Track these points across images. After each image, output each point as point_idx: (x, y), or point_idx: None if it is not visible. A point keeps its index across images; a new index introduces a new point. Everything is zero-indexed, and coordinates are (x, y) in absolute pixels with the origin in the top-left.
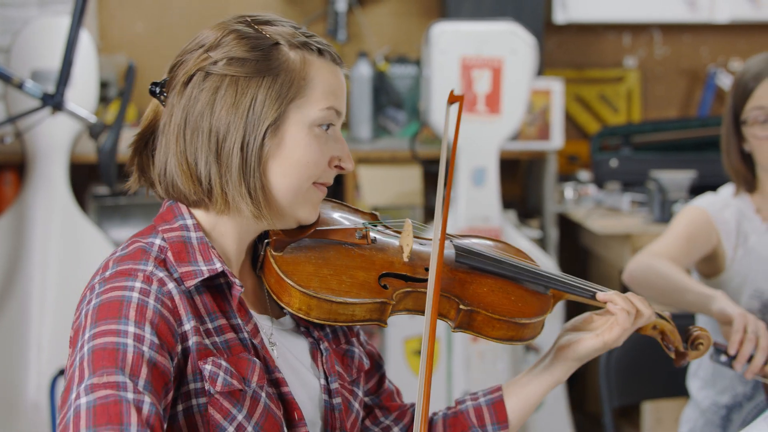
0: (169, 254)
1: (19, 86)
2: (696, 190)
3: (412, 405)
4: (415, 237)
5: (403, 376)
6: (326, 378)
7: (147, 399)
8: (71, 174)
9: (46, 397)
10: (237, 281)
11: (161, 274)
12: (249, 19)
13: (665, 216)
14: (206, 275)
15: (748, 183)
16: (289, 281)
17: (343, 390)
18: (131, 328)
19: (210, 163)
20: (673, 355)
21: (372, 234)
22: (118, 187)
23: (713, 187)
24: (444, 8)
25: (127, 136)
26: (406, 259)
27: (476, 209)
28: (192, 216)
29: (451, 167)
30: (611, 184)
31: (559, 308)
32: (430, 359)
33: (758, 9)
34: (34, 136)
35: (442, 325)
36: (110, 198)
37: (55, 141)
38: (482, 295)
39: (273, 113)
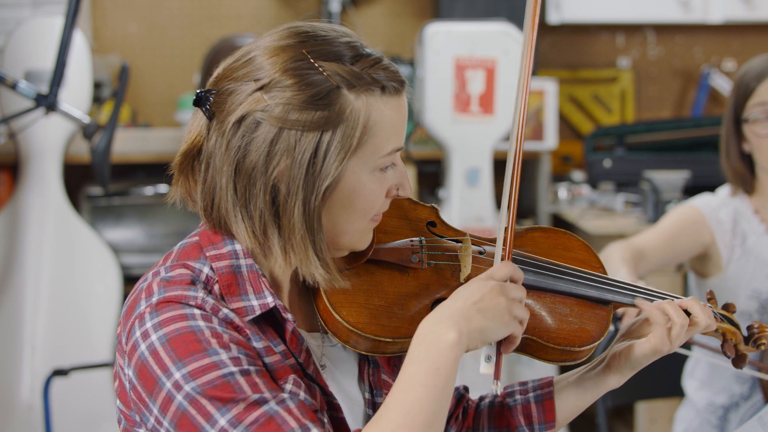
0: (217, 287)
1: (13, 87)
2: (689, 190)
3: (455, 389)
4: (473, 242)
5: None
6: (371, 391)
7: (283, 395)
8: (65, 174)
9: (40, 398)
10: (289, 316)
11: (212, 301)
12: (306, 52)
13: (659, 216)
14: (258, 313)
15: (747, 183)
16: (337, 316)
17: None
18: (224, 356)
19: (267, 222)
20: (732, 355)
21: (431, 251)
22: (111, 187)
23: (707, 188)
24: (437, 9)
25: (121, 137)
26: (462, 281)
27: (470, 209)
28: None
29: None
30: (605, 185)
31: None
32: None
33: (751, 9)
34: (28, 136)
35: None
36: (104, 198)
37: (48, 141)
38: (538, 318)
39: (335, 170)
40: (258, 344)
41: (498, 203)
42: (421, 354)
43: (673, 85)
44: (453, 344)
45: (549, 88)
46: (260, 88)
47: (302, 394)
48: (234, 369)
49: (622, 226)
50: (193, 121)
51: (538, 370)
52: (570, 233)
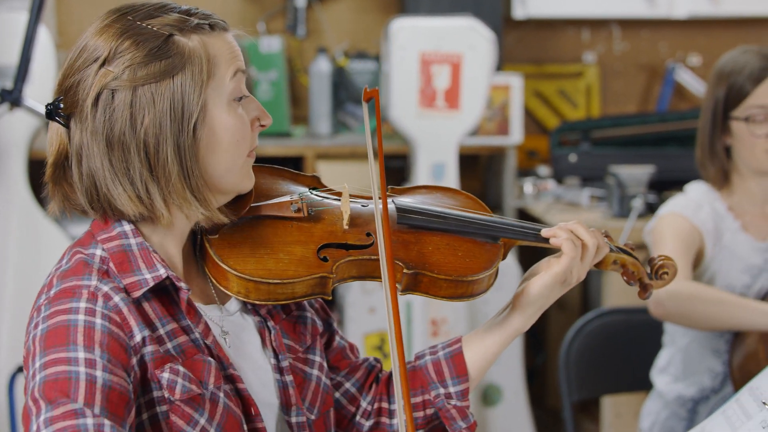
0: (111, 265)
1: None
2: (654, 185)
3: (365, 360)
4: (353, 197)
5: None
6: (276, 356)
7: (107, 422)
8: (30, 170)
9: (5, 396)
10: (183, 285)
11: (106, 288)
12: (131, 18)
13: (624, 211)
14: (151, 284)
15: (726, 176)
16: (224, 266)
17: (296, 363)
18: (81, 354)
19: (146, 179)
20: (637, 287)
21: (308, 203)
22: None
23: (671, 183)
24: (403, 4)
25: None
26: (345, 227)
27: None
28: (129, 221)
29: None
30: (570, 179)
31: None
32: (399, 338)
33: (716, 5)
34: None
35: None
36: None
37: (13, 137)
38: (427, 255)
39: (197, 105)
40: (140, 335)
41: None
42: None
43: (639, 79)
44: None
45: (514, 83)
46: (102, 64)
47: (180, 382)
48: (82, 369)
49: (588, 221)
50: (50, 132)
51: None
52: (455, 189)
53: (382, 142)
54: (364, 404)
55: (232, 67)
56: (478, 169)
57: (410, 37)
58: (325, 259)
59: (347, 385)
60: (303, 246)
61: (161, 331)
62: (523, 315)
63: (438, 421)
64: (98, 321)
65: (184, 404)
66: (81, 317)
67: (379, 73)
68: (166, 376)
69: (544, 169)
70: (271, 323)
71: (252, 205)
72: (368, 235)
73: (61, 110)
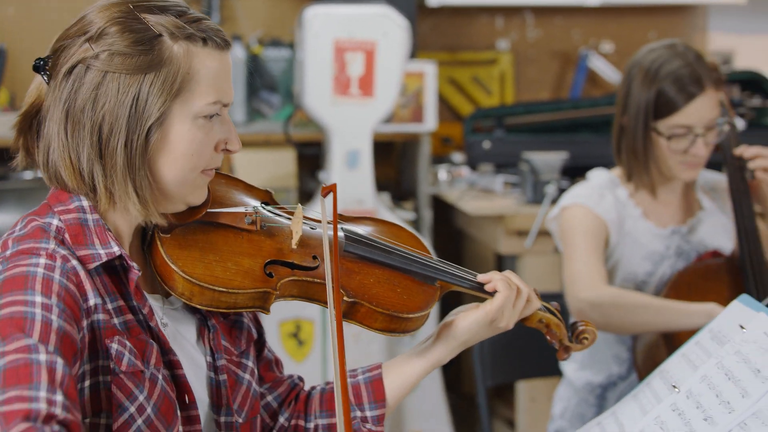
0: (67, 236)
1: None
2: (568, 171)
3: (290, 377)
4: (306, 219)
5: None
6: (212, 355)
7: (60, 360)
8: None
9: None
10: (134, 265)
11: (63, 252)
12: (132, 6)
13: (537, 197)
14: (104, 259)
15: (631, 174)
16: (173, 266)
17: (230, 365)
18: (38, 299)
19: (93, 161)
20: (557, 348)
21: (263, 217)
22: None
23: (584, 169)
24: None
25: (1, 120)
26: (294, 246)
27: (350, 192)
28: (87, 197)
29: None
30: (484, 166)
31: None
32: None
33: None
34: None
35: (318, 308)
36: None
37: None
38: (368, 286)
39: (157, 111)
40: (93, 301)
41: (378, 185)
42: None
43: (552, 66)
44: None
45: (428, 70)
46: (88, 39)
47: (126, 354)
48: (38, 311)
49: (502, 207)
50: (33, 84)
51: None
52: (400, 225)
53: (336, 232)
54: (281, 419)
55: (214, 94)
56: (393, 156)
57: (324, 24)
58: (270, 275)
59: (269, 398)
60: (251, 259)
61: (109, 306)
62: (447, 347)
63: None
64: (56, 276)
65: (126, 378)
66: (40, 270)
67: (293, 60)
68: (114, 346)
69: (458, 156)
70: (211, 322)
71: (208, 211)
72: (314, 257)
73: (47, 68)
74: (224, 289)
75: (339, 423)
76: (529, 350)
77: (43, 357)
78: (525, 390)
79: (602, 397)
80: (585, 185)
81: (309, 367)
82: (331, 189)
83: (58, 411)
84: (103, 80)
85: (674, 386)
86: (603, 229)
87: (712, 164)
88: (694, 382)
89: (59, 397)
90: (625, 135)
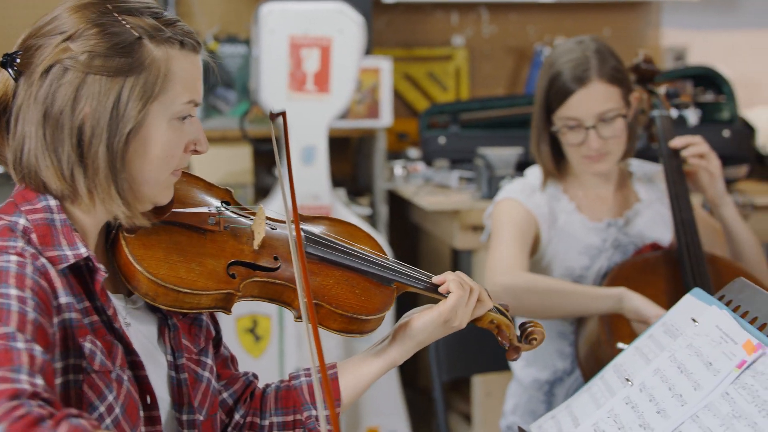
0: (34, 236)
1: None
2: (522, 166)
3: (245, 374)
4: (267, 219)
5: (236, 354)
6: (173, 354)
7: (38, 347)
8: None
9: None
10: (101, 267)
11: (32, 250)
12: (111, 7)
13: (492, 192)
14: (71, 261)
15: (558, 169)
16: (138, 267)
17: (190, 363)
18: (13, 291)
19: (73, 163)
20: (507, 348)
21: (226, 218)
22: None
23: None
24: None
25: None
26: (256, 248)
27: (306, 187)
28: (55, 196)
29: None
30: (440, 161)
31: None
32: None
33: None
34: None
35: (276, 308)
36: None
37: None
38: (327, 287)
39: (137, 114)
40: (65, 299)
41: (334, 181)
42: None
43: (507, 62)
44: None
45: (384, 66)
46: (66, 39)
47: (98, 354)
48: (13, 303)
49: (457, 203)
50: None
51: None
52: (356, 225)
53: (291, 165)
54: (237, 416)
55: (188, 94)
56: (349, 151)
57: (280, 20)
58: (233, 276)
59: (225, 395)
60: (214, 259)
61: (78, 306)
62: (402, 348)
63: None
64: (28, 272)
65: (98, 377)
66: (12, 265)
67: (249, 57)
68: (88, 345)
69: (413, 152)
70: (172, 320)
71: (173, 211)
72: (276, 258)
73: (16, 64)
74: (188, 291)
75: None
76: (484, 345)
77: (21, 345)
78: (480, 384)
79: (550, 393)
80: (520, 181)
81: (266, 363)
82: (281, 114)
83: (40, 391)
84: (83, 82)
85: (627, 379)
86: (532, 224)
87: (649, 156)
88: (647, 376)
89: (40, 381)
90: (533, 124)
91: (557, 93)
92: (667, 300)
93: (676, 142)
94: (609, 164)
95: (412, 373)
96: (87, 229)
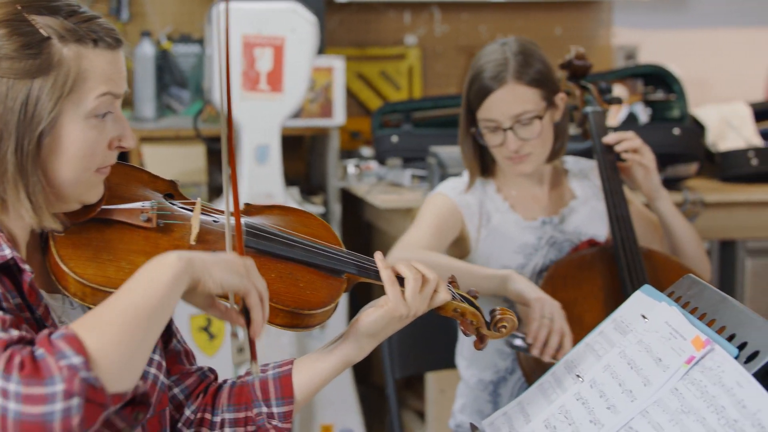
0: None
1: None
2: None
3: (200, 369)
4: (206, 212)
5: None
6: None
7: (2, 312)
8: None
9: None
10: (27, 267)
11: None
12: (20, 7)
13: None
14: None
15: (489, 168)
16: (64, 267)
17: None
18: None
19: None
20: (471, 335)
21: (160, 214)
22: None
23: None
24: None
25: None
26: (192, 242)
27: (260, 186)
28: None
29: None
30: (393, 160)
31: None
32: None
33: None
34: None
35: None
36: None
37: None
38: (268, 282)
39: (48, 115)
40: None
41: (287, 180)
42: (142, 270)
43: (459, 61)
44: (174, 261)
45: (337, 65)
46: None
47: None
48: None
49: (410, 201)
50: None
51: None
52: (310, 213)
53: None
54: (188, 412)
55: (102, 87)
56: (302, 150)
57: (233, 20)
58: None
59: (176, 390)
60: (146, 257)
61: (13, 301)
62: (357, 345)
63: None
64: None
65: None
66: None
67: (202, 56)
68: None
69: (367, 150)
70: None
71: (104, 207)
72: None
73: None
74: (115, 290)
75: None
76: (438, 342)
77: None
78: (434, 381)
79: (495, 394)
80: (455, 179)
81: (220, 361)
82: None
83: (24, 335)
84: None
85: (578, 375)
86: (456, 220)
87: (585, 153)
88: (597, 372)
89: (15, 332)
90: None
91: (476, 93)
92: (604, 296)
93: (609, 138)
94: (532, 165)
95: (365, 370)
96: (14, 232)
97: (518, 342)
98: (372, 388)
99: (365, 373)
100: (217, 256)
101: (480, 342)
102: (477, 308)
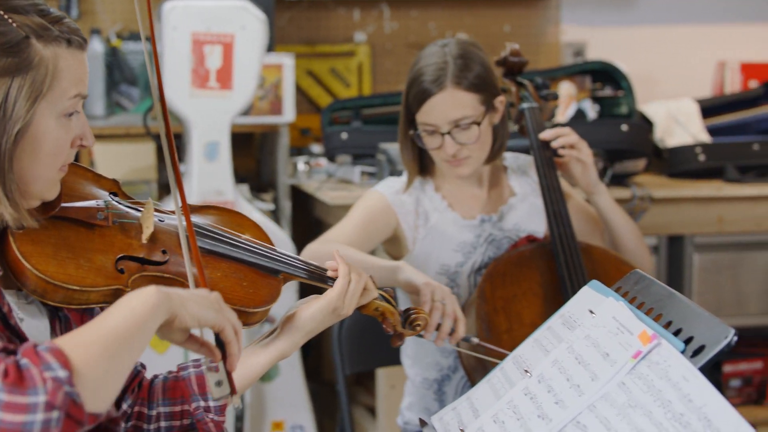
0: None
1: None
2: None
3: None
4: (156, 211)
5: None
6: None
7: None
8: None
9: None
10: None
11: None
12: None
13: None
14: None
15: (424, 170)
16: (26, 264)
17: None
18: None
19: None
20: (392, 334)
21: (115, 212)
22: None
23: None
24: None
25: None
26: (144, 241)
27: (209, 183)
28: None
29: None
30: (342, 157)
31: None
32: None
33: None
34: None
35: None
36: None
37: None
38: (215, 280)
39: (26, 113)
40: None
41: (237, 177)
42: (122, 299)
43: (409, 58)
44: (153, 293)
45: (286, 62)
46: None
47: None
48: None
49: (359, 197)
50: None
51: None
52: (243, 214)
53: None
54: (124, 406)
55: (75, 89)
56: (252, 147)
57: (182, 17)
58: (121, 271)
59: None
60: (103, 255)
61: None
62: (291, 339)
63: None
64: None
65: None
66: None
67: (151, 54)
68: None
69: (316, 147)
70: (62, 312)
71: (62, 206)
72: (164, 252)
73: None
74: (77, 287)
75: None
76: (387, 339)
77: None
78: (384, 377)
79: (441, 392)
80: (394, 179)
81: (171, 359)
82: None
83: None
84: None
85: (526, 371)
86: (388, 217)
87: (525, 150)
88: (545, 367)
89: None
90: (399, 131)
91: (415, 96)
92: (543, 292)
93: (546, 134)
94: (470, 168)
95: (316, 366)
96: None
97: None
98: (323, 384)
99: (316, 370)
100: (192, 292)
101: (398, 339)
102: (394, 306)
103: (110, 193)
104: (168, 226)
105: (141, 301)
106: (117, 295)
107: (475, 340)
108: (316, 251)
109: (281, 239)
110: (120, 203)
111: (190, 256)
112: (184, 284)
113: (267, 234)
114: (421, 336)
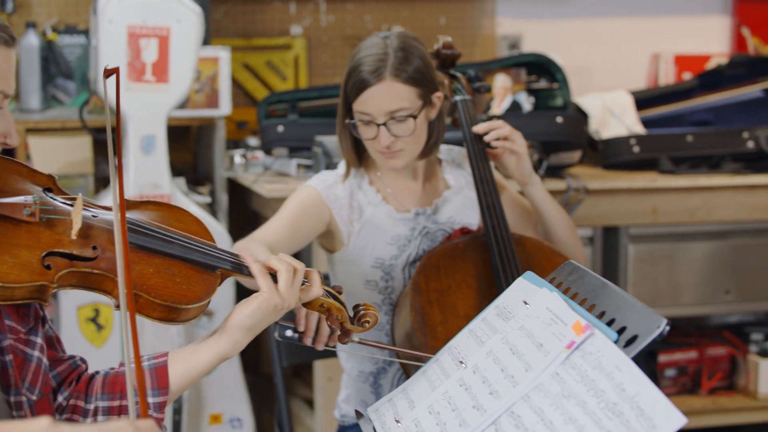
0: None
1: None
2: None
3: (71, 357)
4: (87, 206)
5: (78, 344)
6: None
7: None
8: None
9: None
10: None
11: None
12: None
13: None
14: None
15: (362, 160)
16: None
17: (17, 344)
18: None
19: None
20: (338, 331)
21: (43, 208)
22: None
23: None
24: None
25: None
26: (73, 237)
27: (146, 176)
28: None
29: (119, 141)
30: (279, 150)
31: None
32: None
33: None
34: None
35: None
36: None
37: None
38: (147, 276)
39: None
40: None
41: (173, 170)
42: (17, 425)
43: (345, 51)
44: (46, 428)
45: (222, 55)
46: None
47: None
48: None
49: (293, 191)
50: None
51: None
52: (183, 209)
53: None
54: (60, 398)
55: None
56: (189, 140)
57: (117, 11)
58: (48, 267)
59: (49, 375)
60: (29, 251)
61: None
62: (232, 338)
63: None
64: None
65: None
66: None
67: (88, 47)
68: None
69: (253, 140)
70: None
71: None
72: (94, 248)
73: None
74: (1, 284)
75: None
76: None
77: None
78: (322, 369)
79: (377, 385)
80: (328, 172)
81: (108, 352)
82: (114, 71)
83: None
84: None
85: (461, 362)
86: (320, 212)
87: (459, 143)
88: (480, 358)
89: None
90: (338, 120)
91: (354, 86)
92: (478, 284)
93: (479, 127)
94: (404, 161)
95: (254, 358)
96: None
97: (289, 333)
98: (260, 376)
99: (254, 362)
100: (98, 427)
101: (344, 336)
102: (342, 303)
103: (44, 188)
104: (100, 221)
105: None
106: (42, 291)
107: (356, 338)
108: (242, 249)
109: (218, 232)
110: (54, 199)
111: (120, 251)
112: (113, 280)
113: (207, 229)
114: (300, 341)
